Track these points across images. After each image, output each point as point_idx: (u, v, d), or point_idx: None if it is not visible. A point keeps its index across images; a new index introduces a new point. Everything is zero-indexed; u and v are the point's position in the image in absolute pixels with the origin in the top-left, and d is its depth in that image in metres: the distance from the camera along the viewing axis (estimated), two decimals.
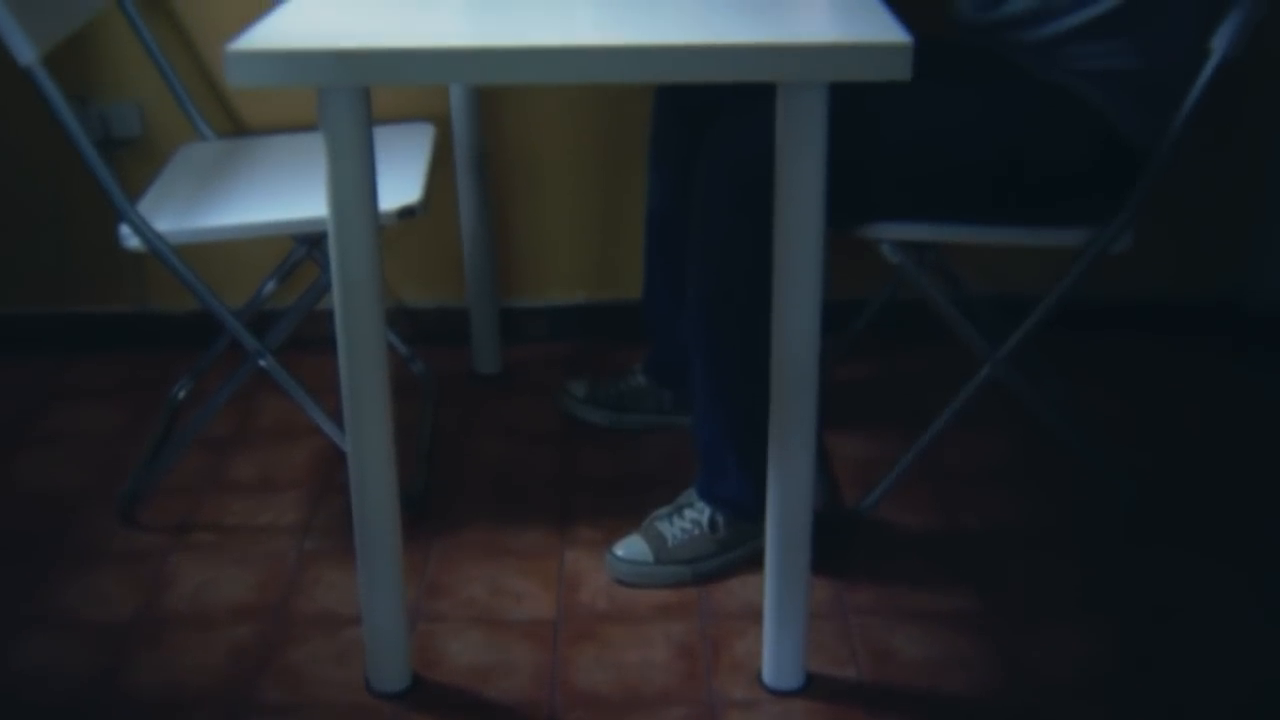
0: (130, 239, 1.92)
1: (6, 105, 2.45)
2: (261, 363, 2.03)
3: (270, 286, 2.35)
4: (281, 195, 2.06)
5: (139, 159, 2.51)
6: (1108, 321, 2.61)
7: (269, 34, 1.43)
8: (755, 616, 1.77)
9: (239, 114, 2.53)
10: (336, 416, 1.75)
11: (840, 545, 2.03)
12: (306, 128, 2.30)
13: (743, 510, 1.92)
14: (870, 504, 2.07)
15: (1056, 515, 2.12)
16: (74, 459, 2.31)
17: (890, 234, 1.87)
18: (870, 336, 2.54)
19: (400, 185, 1.98)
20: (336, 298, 1.54)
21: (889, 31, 1.37)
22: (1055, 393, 2.26)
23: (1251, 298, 2.66)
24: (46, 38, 1.87)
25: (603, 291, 2.69)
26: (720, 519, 1.94)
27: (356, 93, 1.44)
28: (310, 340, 2.17)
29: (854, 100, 1.42)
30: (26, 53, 1.80)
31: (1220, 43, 1.76)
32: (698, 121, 1.99)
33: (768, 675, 1.74)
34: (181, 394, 2.42)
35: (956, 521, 2.11)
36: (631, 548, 1.96)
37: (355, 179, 1.48)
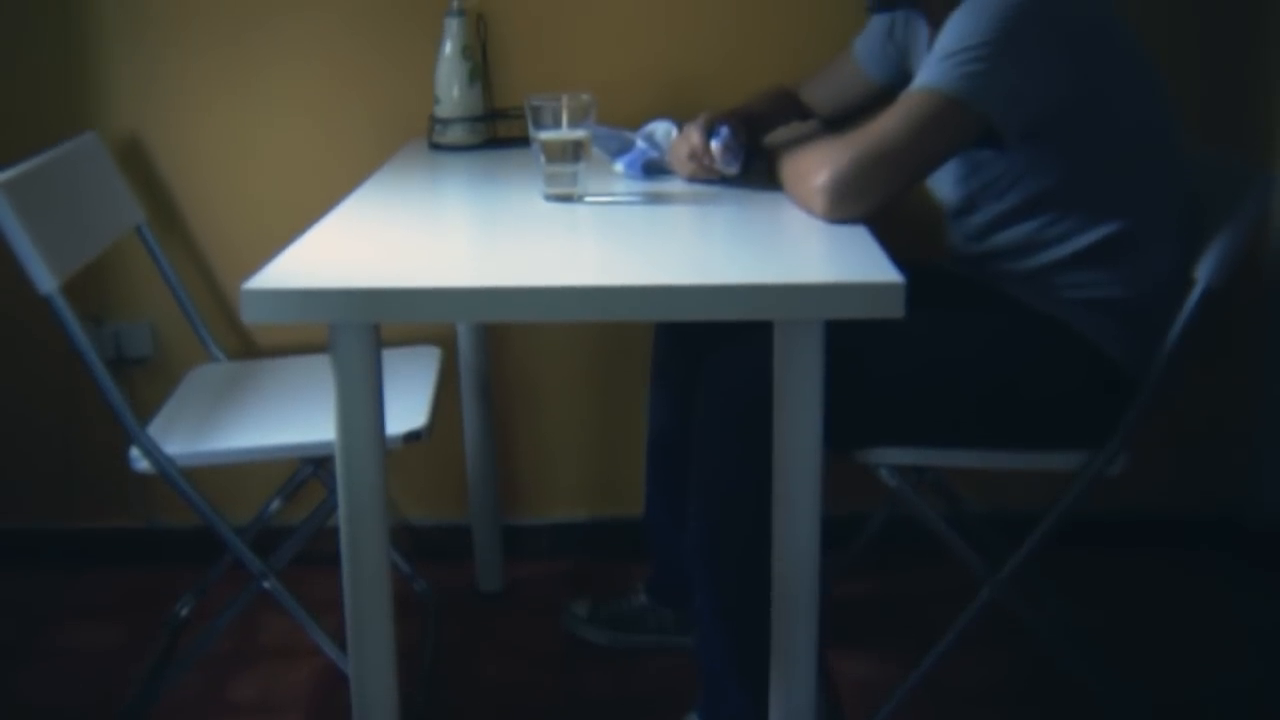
0: (139, 462, 1.95)
1: (20, 324, 2.51)
2: (265, 584, 2.03)
3: (275, 505, 2.37)
4: (290, 419, 2.09)
5: (150, 378, 2.56)
6: (1107, 538, 2.61)
7: (282, 272, 1.47)
8: None
9: (249, 334, 2.58)
10: (338, 635, 1.76)
11: None
12: (315, 349, 2.35)
13: None
14: None
15: None
16: (76, 676, 2.30)
17: (887, 459, 1.89)
18: (870, 553, 2.54)
19: (406, 409, 2.02)
20: (342, 521, 1.56)
21: (882, 271, 1.42)
22: (1055, 612, 2.26)
23: (1251, 513, 2.67)
24: (66, 267, 1.93)
25: (605, 509, 2.71)
26: None
27: (366, 327, 1.48)
28: (313, 556, 2.17)
29: (850, 332, 1.46)
30: (47, 282, 1.85)
31: (1204, 272, 1.81)
32: (698, 346, 2.04)
33: None
34: (184, 612, 2.42)
35: None
36: None
37: (363, 407, 1.51)
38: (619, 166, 2.04)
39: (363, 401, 1.51)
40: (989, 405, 1.83)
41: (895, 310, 1.38)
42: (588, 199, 1.84)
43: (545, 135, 1.81)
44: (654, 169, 2.02)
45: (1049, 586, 2.29)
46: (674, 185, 1.96)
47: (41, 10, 2.43)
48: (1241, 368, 2.63)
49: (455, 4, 2.30)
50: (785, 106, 2.18)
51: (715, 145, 1.90)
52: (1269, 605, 2.51)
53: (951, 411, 1.84)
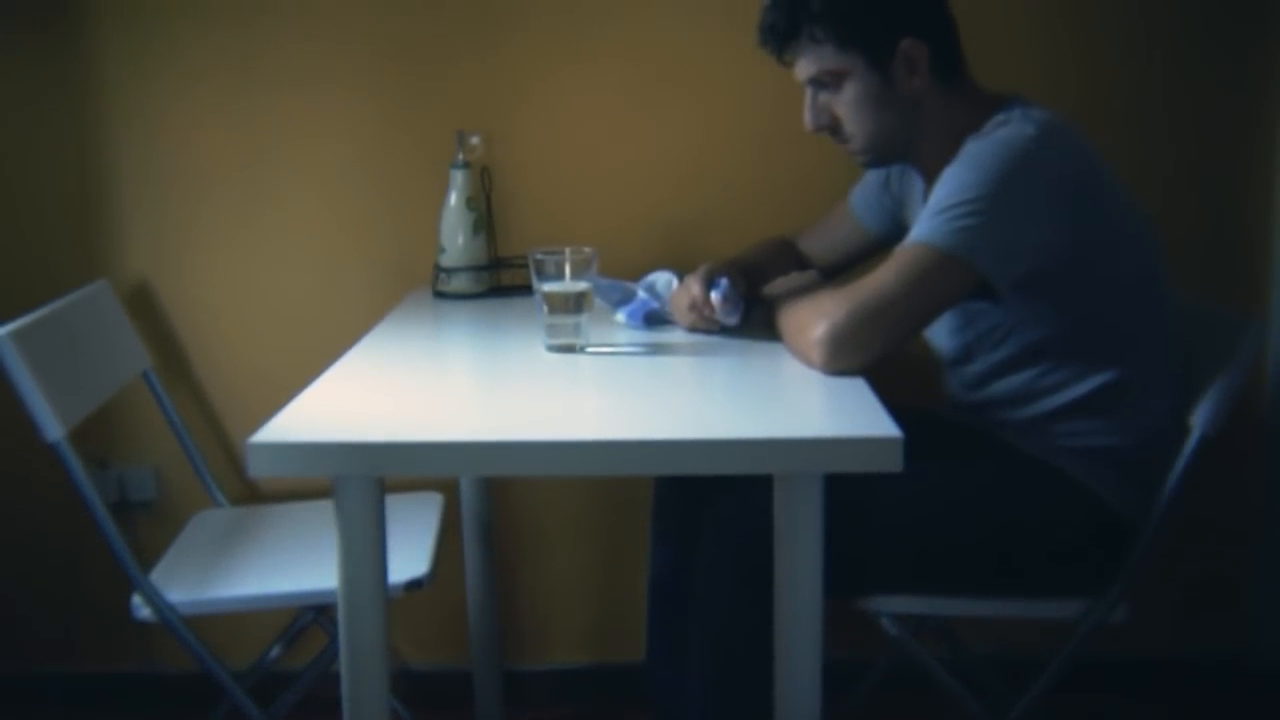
0: (141, 609, 1.96)
1: (24, 464, 2.52)
2: None
3: (276, 651, 2.36)
4: (291, 566, 2.10)
5: (153, 522, 2.57)
6: (1106, 681, 2.59)
7: (287, 426, 1.49)
8: None
9: (253, 479, 2.60)
10: None
11: None
12: (319, 495, 2.36)
13: None
14: None
15: None
16: None
17: (888, 607, 1.89)
18: (873, 699, 2.52)
19: (408, 557, 2.03)
20: (343, 669, 1.56)
21: (881, 425, 1.43)
22: None
23: (1252, 657, 2.66)
24: (73, 415, 1.95)
25: (607, 654, 2.70)
26: None
27: (370, 478, 1.49)
28: (313, 702, 2.16)
29: (850, 482, 1.47)
30: (54, 430, 1.88)
31: (1200, 419, 1.83)
32: (698, 491, 2.05)
33: None
34: None
35: None
36: None
37: (366, 557, 1.52)
38: (620, 317, 2.07)
39: (365, 551, 1.52)
40: (989, 554, 1.83)
41: (894, 464, 1.40)
42: (589, 350, 1.87)
43: (548, 287, 1.84)
44: (655, 319, 2.05)
45: None
46: (675, 336, 1.99)
47: (56, 162, 2.48)
48: (1240, 510, 2.63)
49: (460, 157, 2.35)
50: (784, 257, 2.22)
51: (715, 296, 1.93)
52: None
53: (951, 561, 1.84)
